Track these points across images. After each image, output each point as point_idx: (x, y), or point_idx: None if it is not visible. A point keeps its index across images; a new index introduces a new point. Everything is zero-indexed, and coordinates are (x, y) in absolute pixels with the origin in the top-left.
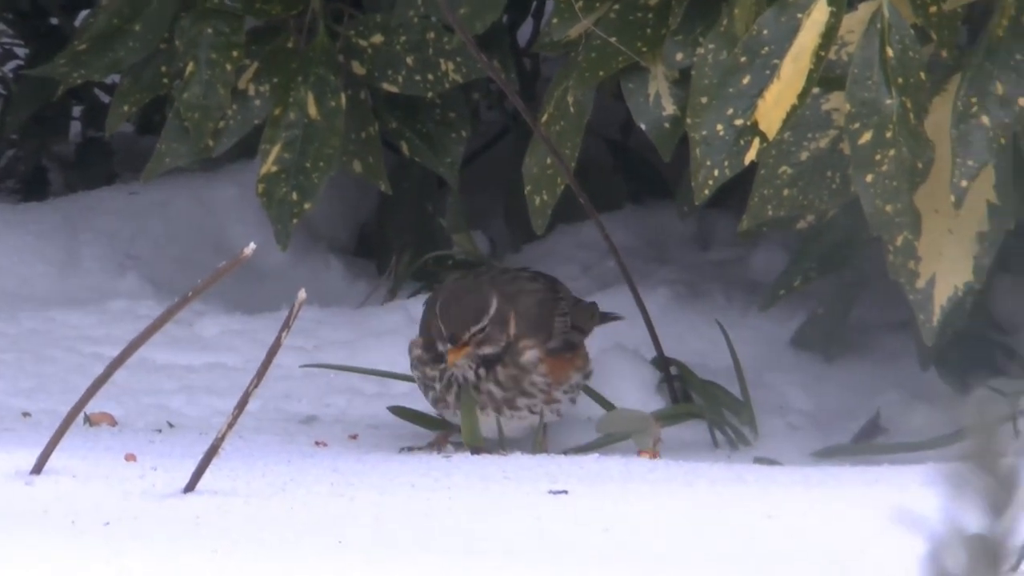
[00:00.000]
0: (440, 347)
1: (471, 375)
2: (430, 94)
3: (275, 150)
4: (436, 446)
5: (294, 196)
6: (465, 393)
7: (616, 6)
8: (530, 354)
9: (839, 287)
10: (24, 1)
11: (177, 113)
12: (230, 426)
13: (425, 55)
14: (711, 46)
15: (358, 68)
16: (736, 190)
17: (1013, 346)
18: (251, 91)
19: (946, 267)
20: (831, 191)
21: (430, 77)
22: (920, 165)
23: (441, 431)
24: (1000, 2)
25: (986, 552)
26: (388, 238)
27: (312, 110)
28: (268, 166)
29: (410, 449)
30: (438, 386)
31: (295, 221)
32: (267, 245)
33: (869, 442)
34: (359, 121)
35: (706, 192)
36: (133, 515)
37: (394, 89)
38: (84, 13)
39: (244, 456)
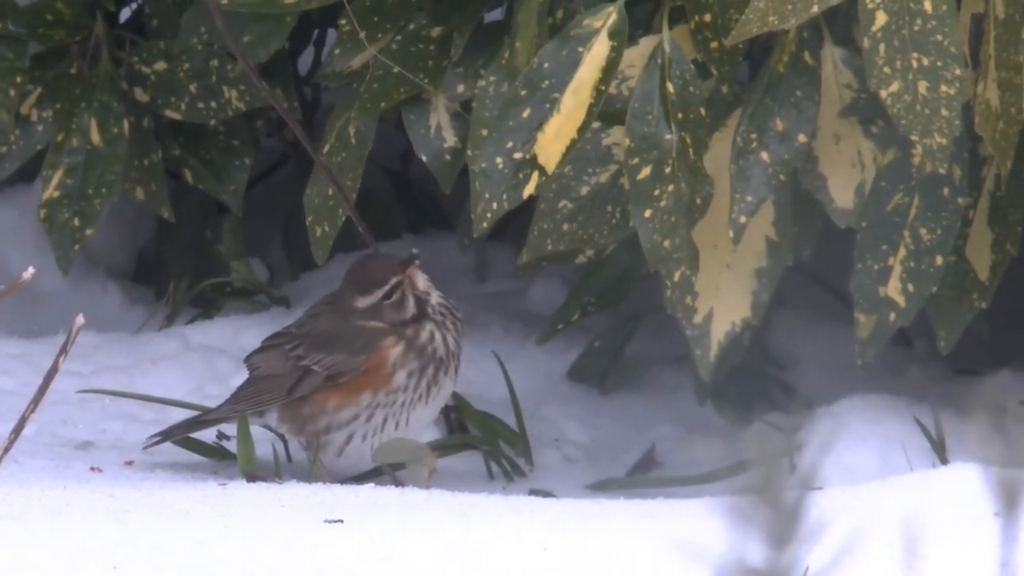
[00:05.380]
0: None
1: (440, 303)
2: (213, 121)
3: (57, 175)
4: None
5: (76, 222)
6: (241, 419)
7: (399, 37)
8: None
9: (617, 321)
10: None
11: None
12: (6, 450)
13: (208, 83)
14: (492, 78)
15: (141, 95)
16: (515, 222)
17: (789, 382)
18: (34, 116)
19: (724, 303)
20: (611, 226)
21: (213, 105)
22: (699, 200)
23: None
24: (780, 39)
25: None
26: (166, 264)
27: (95, 136)
28: (50, 191)
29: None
30: (437, 338)
31: (76, 247)
32: (45, 270)
33: (644, 475)
34: (142, 148)
35: (485, 225)
36: None
37: (177, 116)
38: None
39: (19, 481)
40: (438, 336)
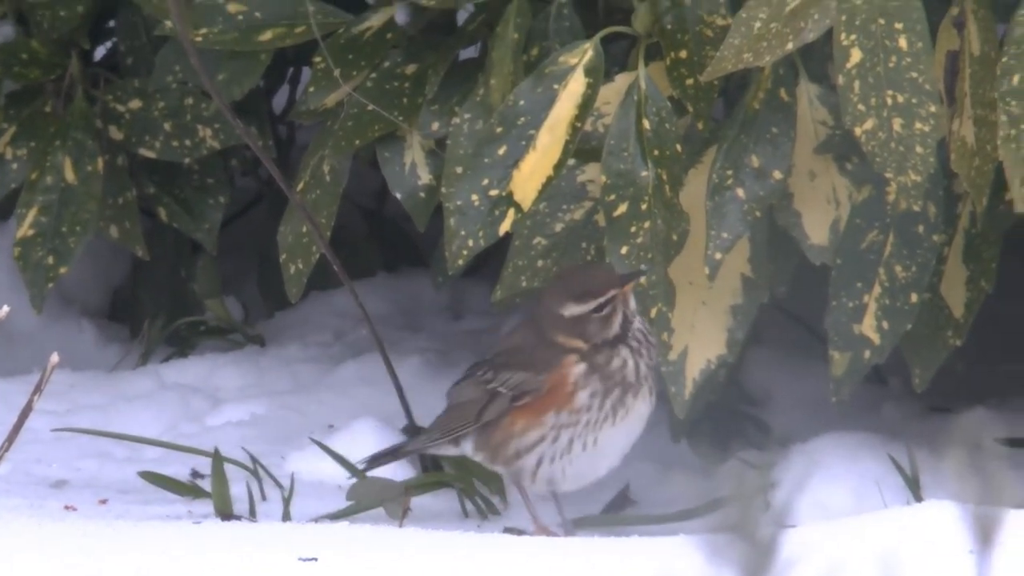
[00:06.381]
0: (603, 306)
1: (639, 328)
2: (188, 160)
3: (32, 214)
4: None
5: (50, 260)
6: (216, 456)
7: (373, 74)
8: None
9: None
10: None
11: None
12: None
13: (183, 121)
14: (467, 116)
15: (116, 133)
16: (490, 260)
17: (764, 419)
18: (8, 155)
19: (699, 339)
20: (585, 263)
21: (188, 143)
22: (675, 237)
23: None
24: (756, 75)
25: None
26: (141, 302)
27: (69, 174)
28: (25, 230)
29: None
30: (629, 364)
31: (50, 285)
32: (20, 308)
33: (619, 513)
34: (116, 186)
35: (460, 262)
36: None
37: (151, 154)
38: None
39: None
40: (631, 362)
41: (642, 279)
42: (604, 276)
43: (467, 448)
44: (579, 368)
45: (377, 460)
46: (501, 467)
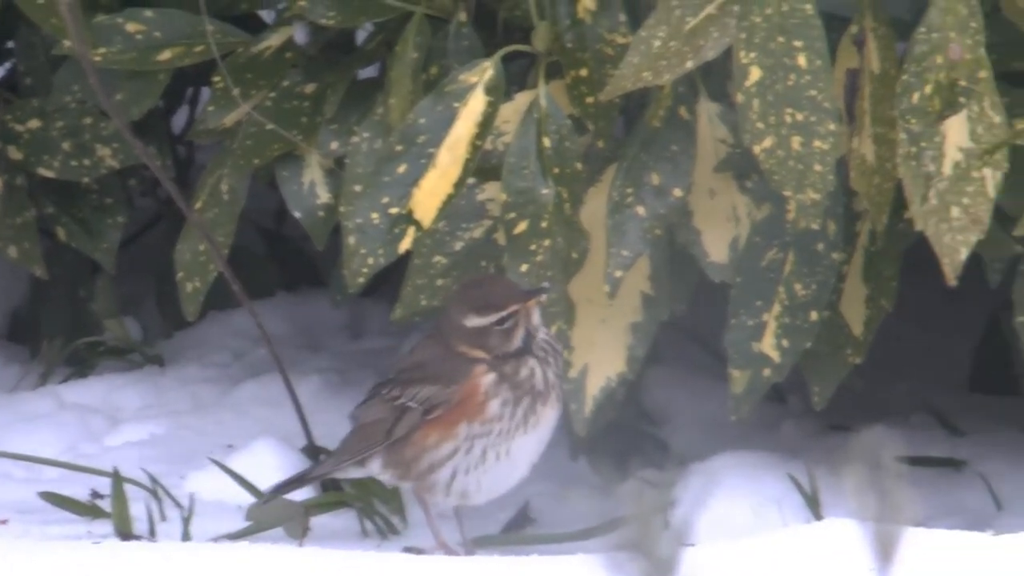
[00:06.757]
0: (506, 317)
1: (545, 339)
2: (86, 179)
3: None
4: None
5: None
6: (116, 476)
7: (272, 93)
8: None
9: None
10: None
11: None
12: None
13: (82, 140)
14: (366, 134)
15: (14, 153)
16: (389, 279)
17: (663, 438)
18: None
19: (599, 357)
20: (491, 276)
21: (86, 162)
22: (575, 255)
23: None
24: (656, 94)
25: None
26: (40, 323)
27: None
28: None
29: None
30: (537, 373)
31: None
32: None
33: (519, 532)
34: (15, 206)
35: (360, 280)
36: None
37: (50, 174)
38: None
39: None
40: (538, 371)
41: (544, 296)
42: (507, 290)
43: (375, 467)
44: (489, 378)
45: (281, 489)
46: (413, 482)
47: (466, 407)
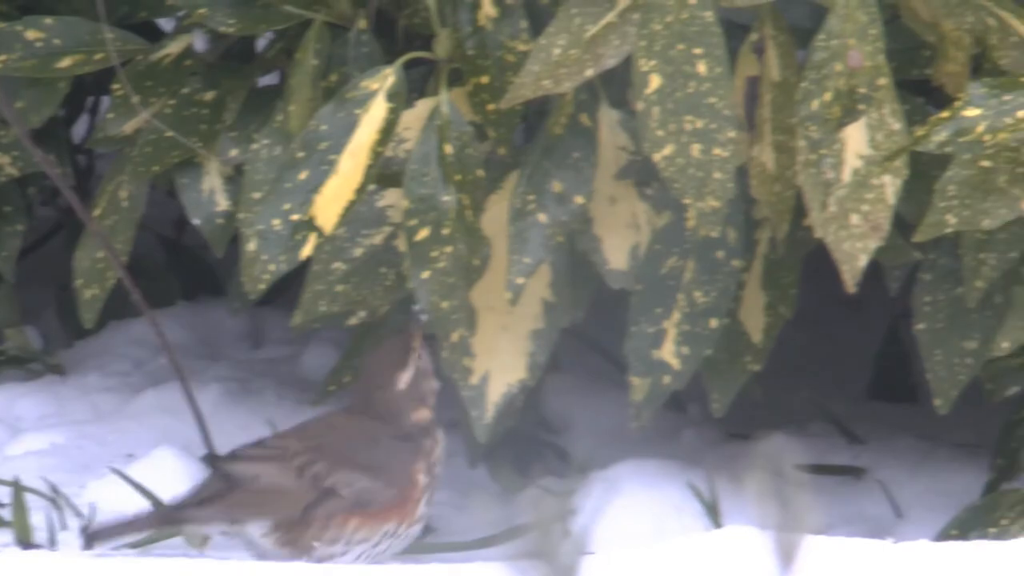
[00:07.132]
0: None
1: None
2: None
3: None
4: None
5: None
6: (17, 487)
7: (172, 101)
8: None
9: None
10: None
11: None
12: None
13: None
14: (265, 141)
15: None
16: (289, 289)
17: (563, 446)
18: None
19: (500, 364)
20: (384, 287)
21: None
22: (476, 262)
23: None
24: (558, 101)
25: None
26: None
27: None
28: None
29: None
30: (439, 446)
31: None
32: None
33: (419, 540)
34: None
35: (261, 286)
36: None
37: None
38: None
39: None
40: (442, 442)
41: (443, 303)
42: (397, 340)
43: (256, 530)
44: (423, 479)
45: (100, 535)
46: (298, 551)
47: (402, 510)
